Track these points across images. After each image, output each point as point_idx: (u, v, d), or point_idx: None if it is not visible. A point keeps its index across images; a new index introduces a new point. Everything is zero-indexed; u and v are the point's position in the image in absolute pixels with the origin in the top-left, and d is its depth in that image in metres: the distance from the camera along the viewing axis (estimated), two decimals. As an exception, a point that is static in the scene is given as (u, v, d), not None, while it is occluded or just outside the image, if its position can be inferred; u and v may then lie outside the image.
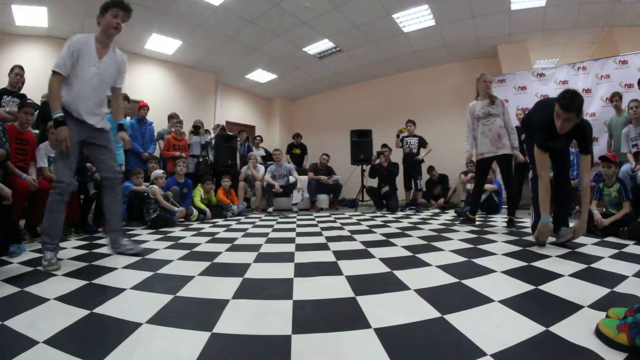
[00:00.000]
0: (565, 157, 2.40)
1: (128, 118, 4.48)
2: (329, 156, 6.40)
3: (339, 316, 1.13)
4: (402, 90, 7.60)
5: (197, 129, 5.34)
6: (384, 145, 5.74)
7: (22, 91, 3.41)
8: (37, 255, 2.10)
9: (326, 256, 2.03)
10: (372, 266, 1.77)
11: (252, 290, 1.42)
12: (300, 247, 2.32)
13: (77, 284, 1.50)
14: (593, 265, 1.69)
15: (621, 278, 1.45)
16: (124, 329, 1.02)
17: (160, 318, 1.11)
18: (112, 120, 3.25)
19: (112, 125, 3.27)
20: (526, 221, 3.48)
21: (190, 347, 0.91)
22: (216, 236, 2.89)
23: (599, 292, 1.28)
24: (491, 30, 5.55)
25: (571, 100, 1.87)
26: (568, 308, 1.12)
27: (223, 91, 8.07)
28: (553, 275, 1.50)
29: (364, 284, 1.45)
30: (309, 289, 1.41)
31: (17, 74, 3.35)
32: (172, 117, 5.15)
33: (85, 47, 1.96)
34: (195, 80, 7.18)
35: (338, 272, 1.66)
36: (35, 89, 3.77)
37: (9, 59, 4.85)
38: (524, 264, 1.74)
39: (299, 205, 5.45)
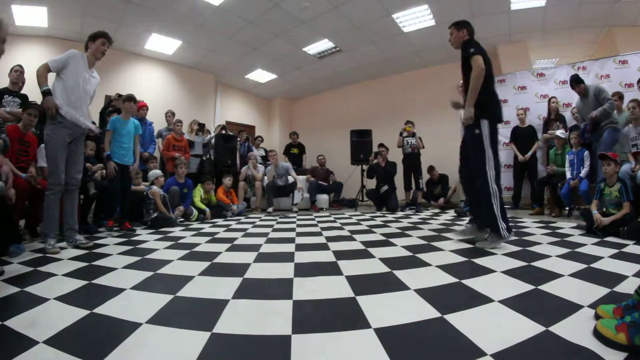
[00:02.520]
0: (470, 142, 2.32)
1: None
2: (324, 156, 6.63)
3: (339, 316, 1.13)
4: (402, 90, 7.60)
5: (202, 126, 5.37)
6: (381, 145, 5.76)
7: (23, 91, 3.41)
8: (37, 255, 2.10)
9: (326, 256, 2.03)
10: (372, 266, 1.77)
11: (252, 290, 1.42)
12: (300, 247, 2.32)
13: (77, 284, 1.50)
14: (593, 265, 1.69)
15: (621, 278, 1.45)
16: (124, 329, 1.02)
17: (160, 318, 1.11)
18: (124, 120, 3.21)
19: (126, 125, 3.22)
20: (526, 221, 3.49)
21: (190, 347, 0.91)
22: (216, 236, 2.89)
23: (599, 292, 1.28)
24: (491, 30, 5.54)
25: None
26: (568, 308, 1.13)
27: (223, 91, 8.06)
28: (553, 275, 1.50)
29: (364, 284, 1.45)
30: (308, 289, 1.41)
31: (17, 71, 3.36)
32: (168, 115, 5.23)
33: (80, 58, 2.42)
34: (195, 80, 7.18)
35: (338, 272, 1.66)
36: (35, 88, 3.72)
37: (9, 59, 4.83)
38: (524, 264, 1.74)
39: (299, 205, 5.45)
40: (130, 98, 3.27)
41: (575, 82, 3.82)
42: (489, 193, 2.17)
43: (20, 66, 3.40)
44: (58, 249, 2.20)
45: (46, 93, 2.26)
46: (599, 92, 3.63)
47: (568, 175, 3.92)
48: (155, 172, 3.92)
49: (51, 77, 2.35)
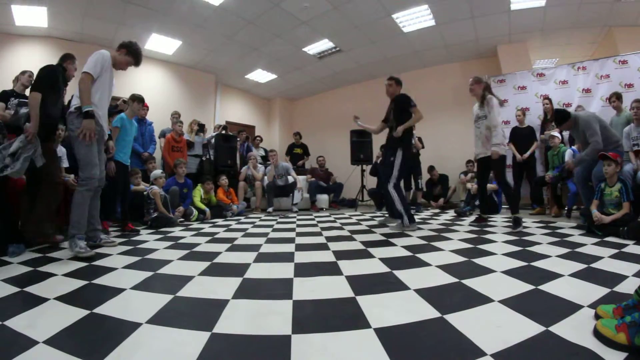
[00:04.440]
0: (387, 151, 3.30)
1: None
2: (324, 157, 6.64)
3: (339, 316, 1.13)
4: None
5: (202, 127, 5.37)
6: (383, 146, 5.75)
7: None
8: (37, 255, 2.10)
9: (326, 256, 2.03)
10: (372, 266, 1.77)
11: (252, 290, 1.42)
12: (300, 247, 2.32)
13: (77, 284, 1.50)
14: (593, 265, 1.69)
15: (621, 278, 1.45)
16: (124, 329, 1.03)
17: (160, 318, 1.11)
18: (131, 121, 3.18)
19: (132, 124, 3.17)
20: (526, 221, 3.48)
21: (190, 347, 0.91)
22: (216, 236, 2.89)
23: (599, 292, 1.28)
24: (491, 30, 5.54)
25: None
26: (568, 308, 1.13)
27: (223, 91, 8.06)
28: (553, 275, 1.50)
29: (364, 284, 1.45)
30: (308, 289, 1.41)
31: (31, 76, 3.35)
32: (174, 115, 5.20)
33: (108, 59, 2.30)
34: (195, 80, 7.17)
35: (338, 272, 1.66)
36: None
37: (9, 59, 4.85)
38: (524, 264, 1.74)
39: (299, 205, 5.45)
40: (141, 100, 3.23)
41: (558, 122, 3.26)
42: (391, 198, 3.15)
43: (32, 72, 3.40)
44: (92, 252, 2.04)
45: (90, 115, 2.11)
46: (586, 127, 3.04)
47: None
48: (157, 173, 3.92)
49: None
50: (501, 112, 3.37)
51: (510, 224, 2.95)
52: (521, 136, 4.81)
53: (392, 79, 3.46)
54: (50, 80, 2.39)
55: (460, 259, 1.89)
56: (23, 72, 3.37)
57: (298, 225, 3.54)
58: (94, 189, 2.23)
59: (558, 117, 3.25)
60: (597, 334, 0.92)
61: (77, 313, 1.14)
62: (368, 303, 1.22)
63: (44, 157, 2.26)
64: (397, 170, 3.13)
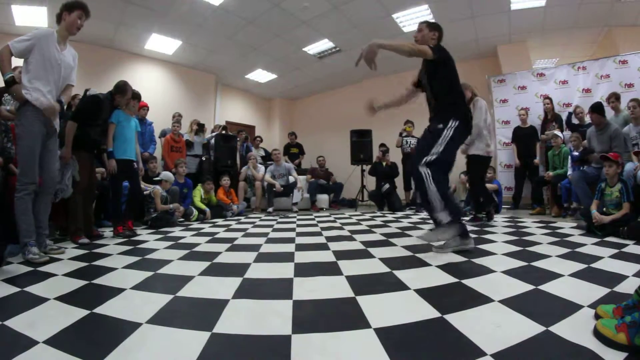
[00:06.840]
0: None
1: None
2: (324, 157, 6.65)
3: (339, 316, 1.13)
4: (401, 91, 7.59)
5: (201, 127, 5.38)
6: (382, 145, 5.76)
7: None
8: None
9: (326, 256, 2.03)
10: (372, 266, 1.77)
11: (252, 290, 1.42)
12: (300, 247, 2.32)
13: (77, 284, 1.50)
14: (593, 265, 1.69)
15: (621, 278, 1.44)
16: (124, 329, 1.02)
17: (160, 318, 1.11)
18: (128, 116, 3.12)
19: (129, 120, 3.14)
20: (526, 221, 3.48)
21: (190, 347, 0.91)
22: (216, 236, 2.89)
23: (599, 292, 1.27)
24: (491, 30, 5.54)
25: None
26: (568, 308, 1.12)
27: (223, 91, 8.06)
28: (553, 275, 1.50)
29: (364, 284, 1.45)
30: (308, 288, 1.41)
31: (21, 72, 3.35)
32: (175, 116, 5.19)
33: (48, 38, 2.09)
34: (195, 81, 7.18)
35: (338, 272, 1.66)
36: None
37: (9, 59, 4.84)
38: (524, 264, 1.74)
39: (299, 205, 5.45)
40: (136, 96, 3.16)
41: (597, 111, 3.52)
42: (424, 186, 2.09)
43: (19, 66, 3.39)
44: (46, 257, 1.97)
45: (10, 82, 2.00)
46: (615, 136, 3.42)
47: (570, 172, 3.92)
48: (170, 176, 3.95)
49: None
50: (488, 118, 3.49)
51: (511, 223, 2.96)
52: (524, 136, 4.81)
53: (425, 22, 2.37)
54: (87, 113, 2.71)
55: (460, 259, 1.89)
56: (14, 68, 3.36)
57: (298, 225, 3.54)
58: (34, 193, 2.08)
59: (598, 106, 3.57)
60: (597, 334, 0.92)
61: (77, 313, 1.14)
62: (368, 303, 1.22)
63: (83, 167, 2.71)
64: (441, 146, 2.04)
